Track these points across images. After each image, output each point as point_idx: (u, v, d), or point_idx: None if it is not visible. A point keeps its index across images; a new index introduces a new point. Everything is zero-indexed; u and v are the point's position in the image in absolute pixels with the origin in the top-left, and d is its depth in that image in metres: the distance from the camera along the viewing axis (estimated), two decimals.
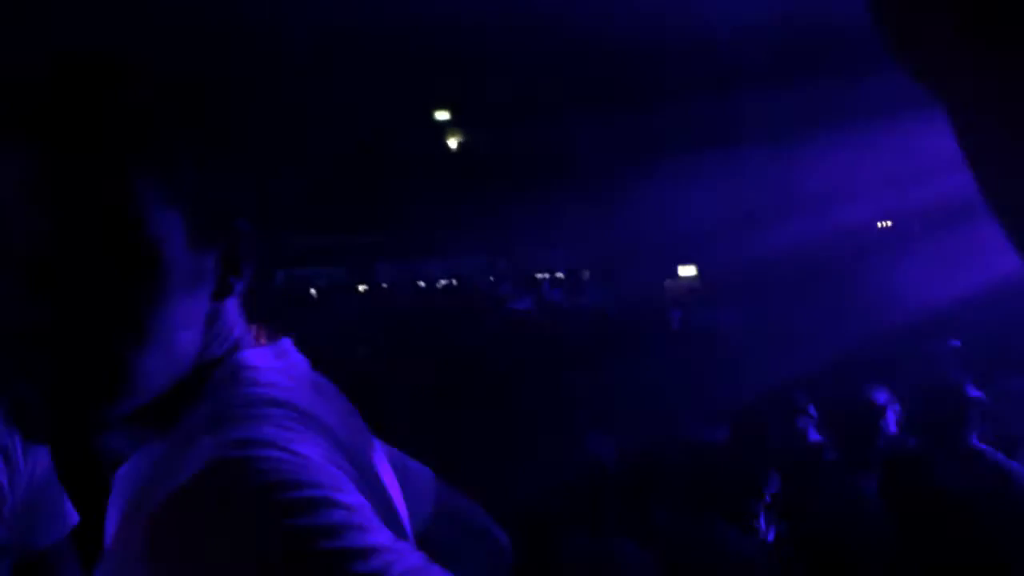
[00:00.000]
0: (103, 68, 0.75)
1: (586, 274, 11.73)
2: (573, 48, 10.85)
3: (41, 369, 0.71)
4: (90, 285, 0.71)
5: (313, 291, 12.35)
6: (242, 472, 0.64)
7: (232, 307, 0.84)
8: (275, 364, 0.82)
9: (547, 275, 11.37)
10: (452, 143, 11.77)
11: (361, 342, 6.92)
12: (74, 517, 1.43)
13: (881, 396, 3.32)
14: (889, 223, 11.47)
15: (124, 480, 0.78)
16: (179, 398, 0.76)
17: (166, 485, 0.65)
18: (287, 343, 0.87)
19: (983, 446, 2.97)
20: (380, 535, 0.64)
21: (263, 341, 0.86)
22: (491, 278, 11.47)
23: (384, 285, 12.36)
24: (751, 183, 10.97)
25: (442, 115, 11.65)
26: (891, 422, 3.30)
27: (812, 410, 3.51)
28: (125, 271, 0.72)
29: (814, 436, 3.45)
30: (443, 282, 12.78)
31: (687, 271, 11.86)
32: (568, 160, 11.30)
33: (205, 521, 0.62)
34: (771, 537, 2.73)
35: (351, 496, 0.67)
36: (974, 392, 3.09)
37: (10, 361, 0.71)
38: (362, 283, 12.54)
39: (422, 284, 12.03)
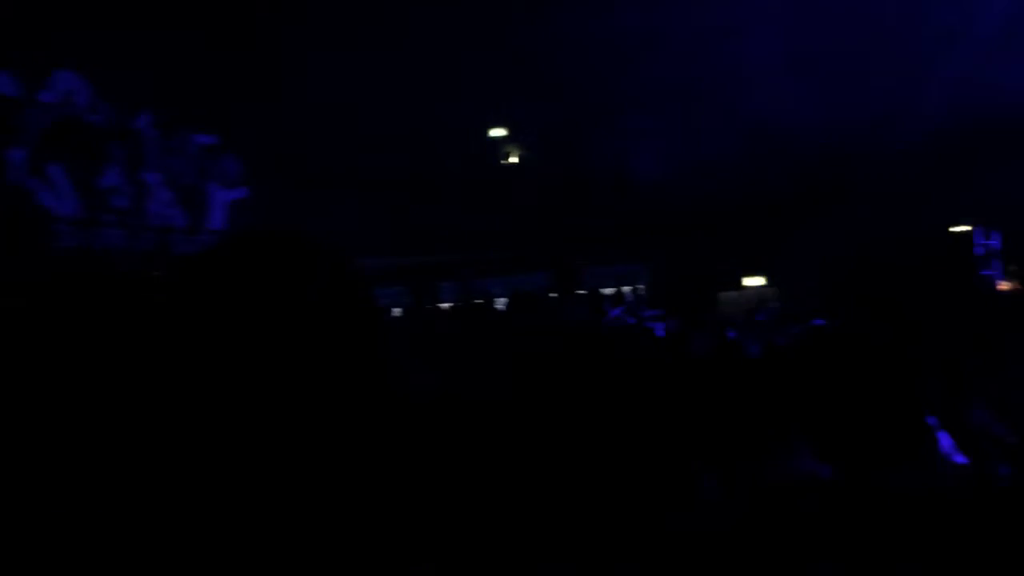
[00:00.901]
0: None
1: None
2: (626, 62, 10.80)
3: None
4: None
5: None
6: None
7: None
8: None
9: (612, 290, 11.24)
10: (509, 160, 11.74)
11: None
12: None
13: None
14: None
15: None
16: None
17: None
18: None
19: None
20: None
21: None
22: (552, 295, 11.38)
23: (443, 306, 12.31)
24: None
25: (498, 132, 11.65)
26: None
27: None
28: None
29: None
30: (504, 300, 12.70)
31: (753, 281, 11.56)
32: (623, 174, 11.20)
33: None
34: None
35: None
36: None
37: None
38: (428, 303, 12.50)
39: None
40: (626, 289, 13.07)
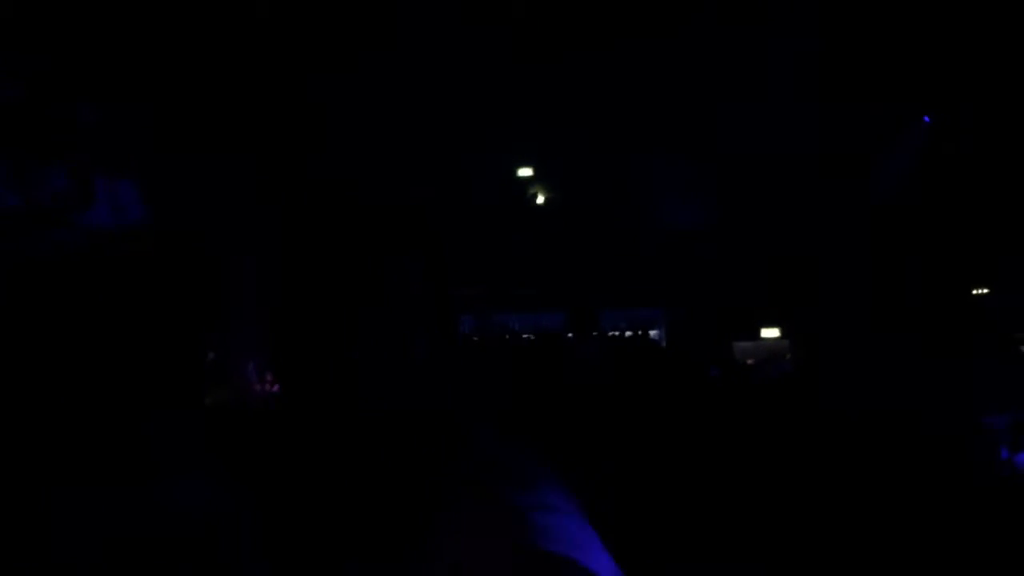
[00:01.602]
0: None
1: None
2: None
3: None
4: None
5: None
6: None
7: None
8: None
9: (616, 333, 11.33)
10: (534, 199, 11.91)
11: None
12: None
13: None
14: None
15: None
16: None
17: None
18: None
19: None
20: None
21: None
22: (568, 335, 11.47)
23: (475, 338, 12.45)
24: None
25: (524, 171, 11.83)
26: None
27: None
28: None
29: None
30: (525, 336, 12.83)
31: (769, 332, 11.51)
32: (646, 213, 11.28)
33: None
34: None
35: None
36: None
37: None
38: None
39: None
40: (653, 332, 13.12)
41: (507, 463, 0.90)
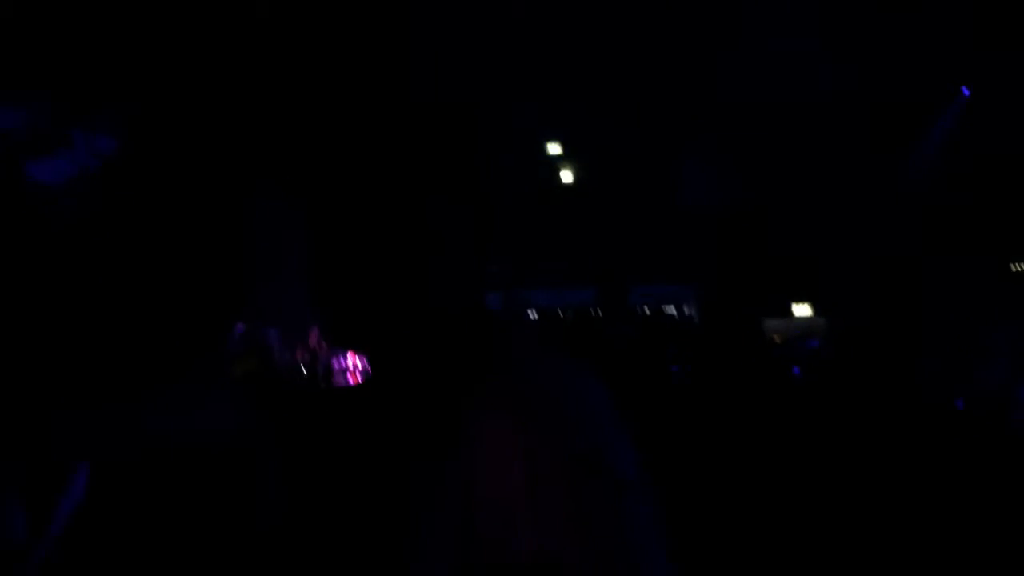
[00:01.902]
0: None
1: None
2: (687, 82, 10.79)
3: None
4: None
5: None
6: None
7: None
8: None
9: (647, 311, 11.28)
10: (563, 176, 11.86)
11: None
12: None
13: None
14: None
15: None
16: None
17: None
18: None
19: None
20: None
21: None
22: (598, 310, 11.46)
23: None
24: None
25: (554, 148, 11.79)
26: None
27: None
28: None
29: None
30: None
31: (801, 310, 11.39)
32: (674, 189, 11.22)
33: None
34: None
35: None
36: None
37: None
38: None
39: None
40: (678, 309, 13.03)
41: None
